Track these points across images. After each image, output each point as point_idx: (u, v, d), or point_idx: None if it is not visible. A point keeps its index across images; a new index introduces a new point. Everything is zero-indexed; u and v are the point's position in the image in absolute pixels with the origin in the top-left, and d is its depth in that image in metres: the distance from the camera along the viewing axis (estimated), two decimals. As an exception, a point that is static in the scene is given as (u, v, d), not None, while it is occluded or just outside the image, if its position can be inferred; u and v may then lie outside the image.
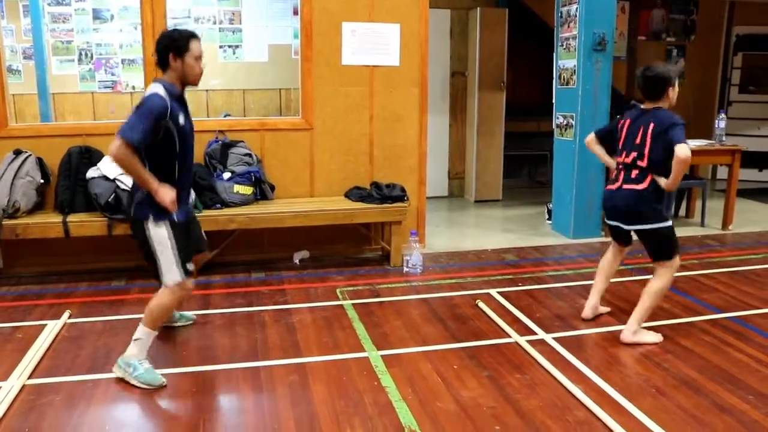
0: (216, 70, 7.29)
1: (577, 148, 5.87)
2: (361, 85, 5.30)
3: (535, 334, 3.77)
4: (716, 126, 6.51)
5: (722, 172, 8.62)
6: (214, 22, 7.21)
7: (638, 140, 3.63)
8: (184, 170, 3.33)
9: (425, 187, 5.60)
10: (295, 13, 6.40)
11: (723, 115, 6.56)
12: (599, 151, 3.98)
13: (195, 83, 3.33)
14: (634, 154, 3.64)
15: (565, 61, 6.06)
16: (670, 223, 3.66)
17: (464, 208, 7.65)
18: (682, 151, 3.43)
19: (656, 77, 3.63)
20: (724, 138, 6.51)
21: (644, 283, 4.38)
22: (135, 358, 3.19)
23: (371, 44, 5.24)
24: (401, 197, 5.12)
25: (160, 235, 3.20)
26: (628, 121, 3.75)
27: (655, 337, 3.71)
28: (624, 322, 3.86)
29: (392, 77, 5.34)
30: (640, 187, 3.62)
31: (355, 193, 5.20)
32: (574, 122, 5.90)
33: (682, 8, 9.19)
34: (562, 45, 6.10)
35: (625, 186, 3.66)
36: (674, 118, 3.57)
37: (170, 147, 3.20)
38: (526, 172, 9.24)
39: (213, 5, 7.18)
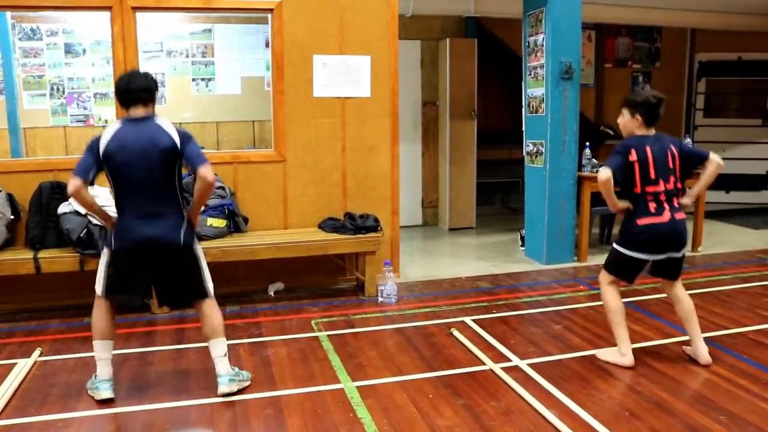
0: (189, 103, 7.31)
1: (547, 174, 5.96)
2: (333, 116, 5.35)
3: (510, 360, 3.79)
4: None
5: (691, 196, 8.78)
6: (187, 56, 7.23)
7: (671, 165, 3.61)
8: None
9: (399, 217, 5.64)
10: (267, 45, 6.46)
11: (689, 140, 6.71)
12: (611, 190, 3.61)
13: None
14: (672, 179, 3.63)
15: (533, 90, 6.18)
16: None
17: (438, 236, 7.70)
18: (718, 158, 3.64)
19: (662, 103, 3.66)
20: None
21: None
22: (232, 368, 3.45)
23: (342, 76, 5.31)
24: (375, 227, 5.15)
25: (201, 252, 3.48)
26: (648, 150, 3.58)
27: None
28: (600, 346, 3.94)
29: (364, 108, 5.41)
30: (684, 213, 3.70)
31: (329, 224, 5.22)
32: (544, 149, 6.00)
33: (647, 36, 9.44)
34: (531, 74, 6.23)
35: (677, 215, 3.63)
36: (675, 137, 3.76)
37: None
38: (499, 199, 9.34)
39: (185, 39, 7.21)
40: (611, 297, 3.77)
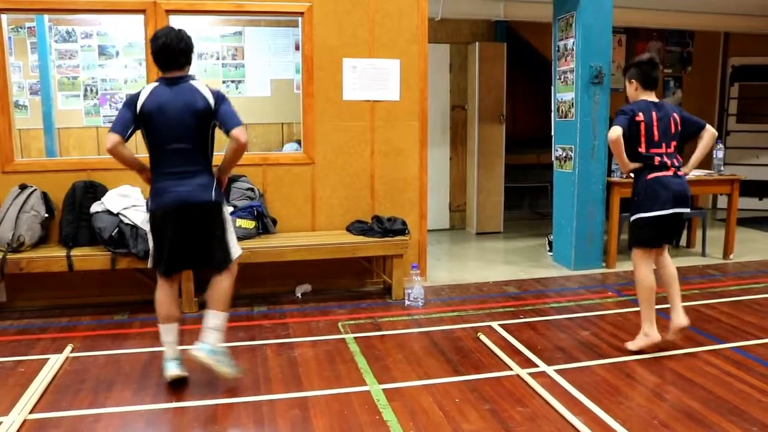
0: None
1: (576, 180, 5.92)
2: (362, 119, 5.37)
3: (537, 366, 3.77)
4: (714, 156, 6.55)
5: (722, 202, 8.66)
6: (218, 58, 7.32)
7: (673, 131, 3.86)
8: None
9: (426, 220, 5.63)
10: (297, 48, 6.50)
11: (721, 145, 6.61)
12: (623, 150, 3.81)
13: None
14: (674, 143, 3.88)
15: (563, 94, 6.14)
16: None
17: (465, 240, 7.68)
18: (713, 129, 3.89)
19: (654, 64, 3.94)
20: (722, 168, 6.56)
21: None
22: (220, 345, 3.44)
23: (372, 80, 5.33)
24: (402, 231, 5.15)
25: (228, 215, 3.57)
26: (653, 114, 3.84)
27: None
28: (625, 353, 3.89)
29: (393, 112, 5.42)
30: (683, 173, 3.92)
31: (357, 227, 5.23)
32: (573, 154, 5.96)
33: (678, 40, 9.33)
34: (560, 78, 6.19)
35: (679, 173, 3.87)
36: (675, 105, 3.98)
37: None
38: (527, 203, 9.28)
39: (216, 41, 7.30)
40: (642, 274, 3.91)
